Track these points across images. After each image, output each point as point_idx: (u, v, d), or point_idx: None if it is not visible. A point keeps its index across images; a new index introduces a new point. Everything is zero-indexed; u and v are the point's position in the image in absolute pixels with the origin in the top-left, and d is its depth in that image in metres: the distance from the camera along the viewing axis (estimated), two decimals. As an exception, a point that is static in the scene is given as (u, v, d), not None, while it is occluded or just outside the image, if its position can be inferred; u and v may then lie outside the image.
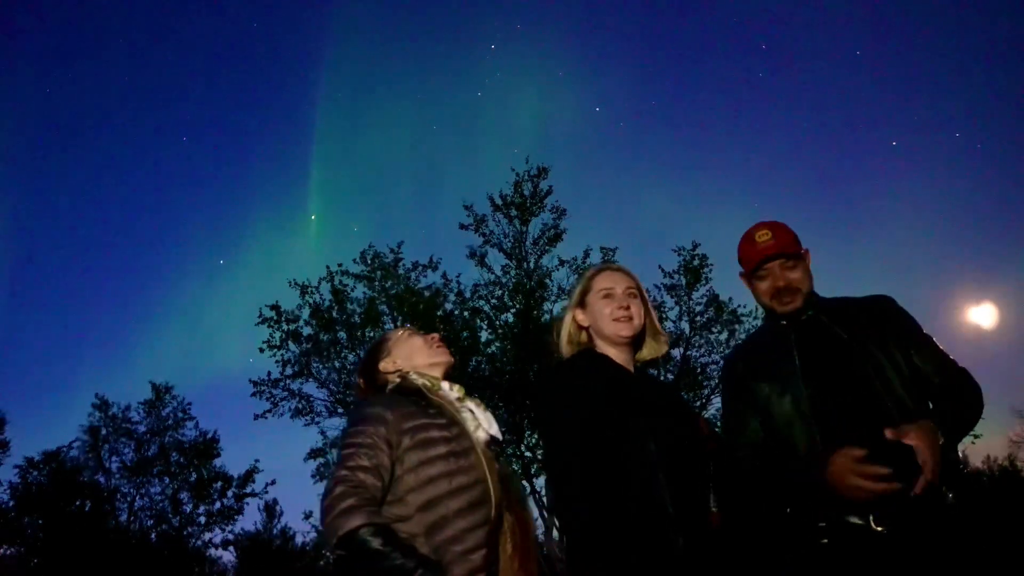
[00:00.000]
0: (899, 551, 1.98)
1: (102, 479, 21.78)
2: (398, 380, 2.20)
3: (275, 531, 28.77)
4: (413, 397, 2.07)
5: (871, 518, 2.01)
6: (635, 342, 2.26)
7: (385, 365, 2.28)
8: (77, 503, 21.14)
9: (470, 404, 2.14)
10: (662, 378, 15.22)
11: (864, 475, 1.93)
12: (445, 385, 2.18)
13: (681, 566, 1.81)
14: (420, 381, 2.15)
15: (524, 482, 15.28)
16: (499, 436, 2.11)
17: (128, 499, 21.86)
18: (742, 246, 2.45)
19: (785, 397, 2.25)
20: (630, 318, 2.21)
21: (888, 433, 1.94)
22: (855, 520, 2.03)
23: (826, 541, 2.05)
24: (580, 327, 2.31)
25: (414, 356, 2.27)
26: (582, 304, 2.31)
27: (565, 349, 2.31)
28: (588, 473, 1.89)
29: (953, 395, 2.15)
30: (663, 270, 15.83)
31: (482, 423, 2.09)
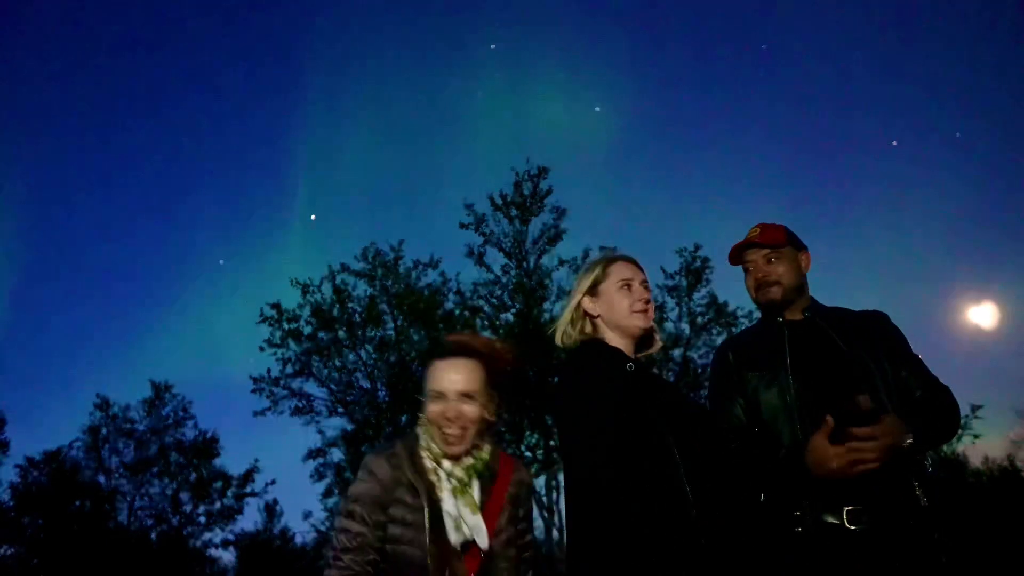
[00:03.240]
0: (871, 550, 2.02)
1: (102, 479, 21.84)
2: (417, 431, 2.05)
3: (275, 531, 28.75)
4: (413, 463, 1.97)
5: (844, 517, 2.05)
6: (643, 337, 2.24)
7: (427, 406, 2.05)
8: (77, 503, 21.16)
9: (460, 501, 1.96)
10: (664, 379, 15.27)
11: (838, 451, 1.98)
12: (447, 466, 1.99)
13: (702, 557, 1.82)
14: (426, 457, 2.00)
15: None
16: (483, 544, 1.93)
17: (128, 499, 21.91)
18: (731, 250, 2.56)
19: (772, 388, 2.29)
20: (648, 312, 2.19)
21: (863, 402, 1.98)
22: (829, 519, 2.07)
23: (800, 530, 2.09)
24: (587, 315, 2.23)
25: (435, 430, 2.02)
26: (594, 292, 2.23)
27: (567, 336, 2.25)
28: (616, 467, 1.87)
29: (932, 408, 2.21)
30: (664, 271, 15.87)
31: (462, 526, 1.93)
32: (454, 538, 1.91)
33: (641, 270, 2.28)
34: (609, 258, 2.31)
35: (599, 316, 2.22)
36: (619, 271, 2.23)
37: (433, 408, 1.99)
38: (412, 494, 1.92)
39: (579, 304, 2.24)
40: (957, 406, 2.27)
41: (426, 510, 1.91)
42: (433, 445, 2.00)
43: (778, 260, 2.44)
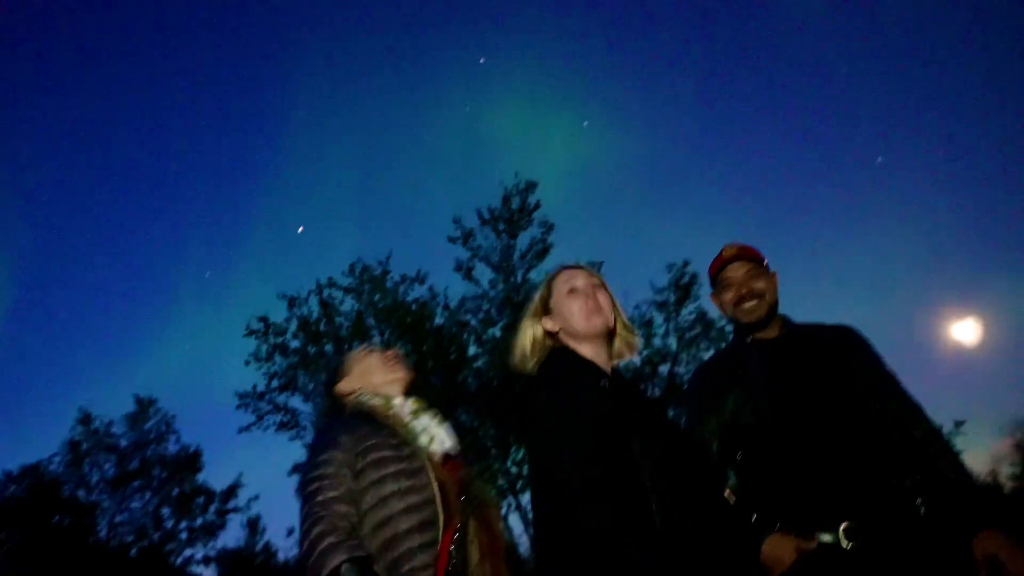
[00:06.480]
0: (869, 568, 1.94)
1: (82, 494, 21.52)
2: (356, 402, 2.23)
3: (257, 548, 28.40)
4: (368, 417, 2.10)
5: (841, 534, 1.98)
6: (609, 337, 2.10)
7: (342, 387, 2.31)
8: (56, 518, 20.85)
9: (425, 418, 2.14)
10: (649, 394, 15.25)
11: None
12: (398, 401, 2.19)
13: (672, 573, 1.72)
14: (373, 401, 2.18)
15: (510, 496, 15.22)
16: (455, 450, 2.11)
17: (108, 514, 21.59)
18: (711, 264, 2.51)
19: (752, 412, 2.22)
20: (600, 308, 2.04)
21: (979, 552, 1.91)
22: (824, 538, 1.99)
23: None
24: (549, 334, 2.11)
25: (370, 375, 2.29)
26: (546, 311, 2.12)
27: (529, 361, 2.10)
28: (582, 481, 1.78)
29: (955, 464, 2.11)
30: (654, 287, 15.93)
31: (436, 437, 2.09)
32: (436, 447, 2.07)
33: (589, 272, 2.15)
34: (553, 273, 2.19)
35: (560, 330, 2.09)
36: (563, 280, 2.12)
37: (374, 357, 2.34)
38: (383, 435, 2.02)
39: (539, 326, 2.12)
40: (937, 429, 2.20)
41: (411, 434, 2.06)
42: (378, 394, 2.21)
43: (759, 276, 2.38)
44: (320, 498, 1.83)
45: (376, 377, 2.28)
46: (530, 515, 14.89)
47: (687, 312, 15.90)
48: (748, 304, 2.35)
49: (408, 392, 2.28)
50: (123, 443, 21.93)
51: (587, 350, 2.05)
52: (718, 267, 2.45)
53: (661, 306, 15.89)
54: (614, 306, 2.14)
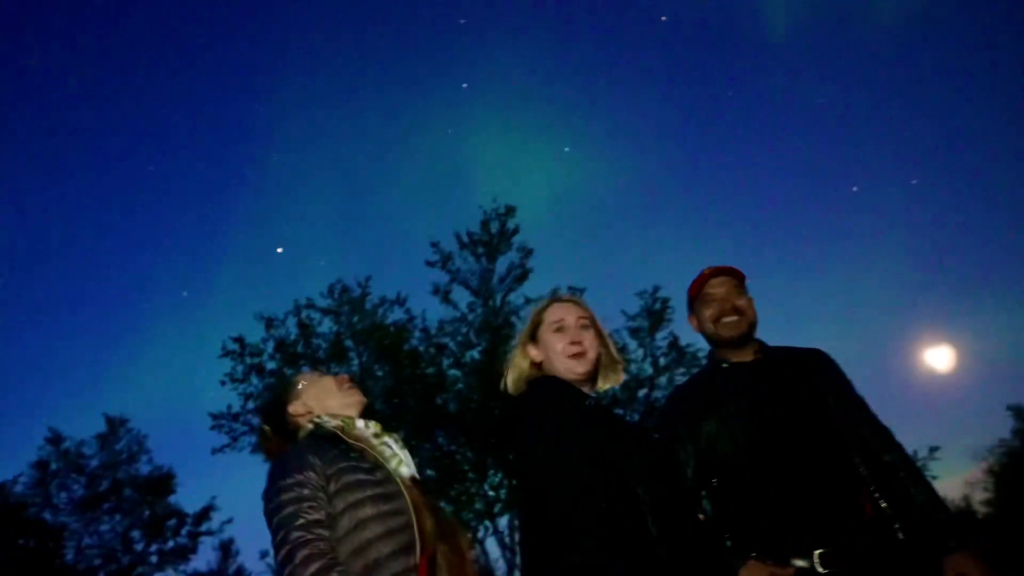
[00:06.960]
0: None
1: (49, 516, 21.04)
2: (311, 425, 2.12)
3: (230, 571, 27.87)
4: (333, 440, 2.00)
5: (816, 559, 2.00)
6: (591, 376, 2.15)
7: (295, 408, 2.19)
8: (21, 540, 20.35)
9: (388, 440, 2.07)
10: (628, 419, 15.30)
11: None
12: (360, 423, 2.10)
13: None
14: (334, 423, 2.07)
15: (487, 521, 15.16)
16: (417, 475, 2.04)
17: (76, 536, 21.11)
18: (691, 284, 2.52)
19: (727, 436, 2.23)
20: (583, 352, 2.10)
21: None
22: (799, 563, 2.01)
23: None
24: (533, 363, 2.19)
25: (325, 398, 2.19)
26: (534, 339, 2.20)
27: (517, 387, 2.20)
28: (579, 487, 1.81)
29: (926, 487, 2.17)
30: (626, 314, 16.01)
31: (404, 461, 2.03)
32: (404, 471, 1.98)
33: (581, 307, 2.21)
34: (546, 302, 2.26)
35: (542, 362, 2.17)
36: (553, 313, 2.18)
37: (329, 380, 2.25)
38: (353, 458, 1.93)
39: (524, 353, 2.20)
40: (907, 454, 2.26)
41: (381, 456, 1.97)
42: (335, 416, 2.10)
43: (741, 294, 2.40)
44: (301, 521, 1.75)
45: (332, 400, 2.18)
46: (507, 539, 14.87)
47: (660, 338, 16.00)
48: (729, 319, 2.35)
49: (364, 416, 2.18)
50: (93, 463, 21.52)
51: (570, 379, 2.11)
52: (700, 284, 2.45)
53: (634, 332, 15.98)
54: (602, 340, 2.20)
